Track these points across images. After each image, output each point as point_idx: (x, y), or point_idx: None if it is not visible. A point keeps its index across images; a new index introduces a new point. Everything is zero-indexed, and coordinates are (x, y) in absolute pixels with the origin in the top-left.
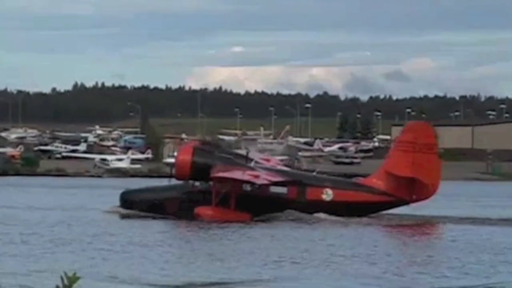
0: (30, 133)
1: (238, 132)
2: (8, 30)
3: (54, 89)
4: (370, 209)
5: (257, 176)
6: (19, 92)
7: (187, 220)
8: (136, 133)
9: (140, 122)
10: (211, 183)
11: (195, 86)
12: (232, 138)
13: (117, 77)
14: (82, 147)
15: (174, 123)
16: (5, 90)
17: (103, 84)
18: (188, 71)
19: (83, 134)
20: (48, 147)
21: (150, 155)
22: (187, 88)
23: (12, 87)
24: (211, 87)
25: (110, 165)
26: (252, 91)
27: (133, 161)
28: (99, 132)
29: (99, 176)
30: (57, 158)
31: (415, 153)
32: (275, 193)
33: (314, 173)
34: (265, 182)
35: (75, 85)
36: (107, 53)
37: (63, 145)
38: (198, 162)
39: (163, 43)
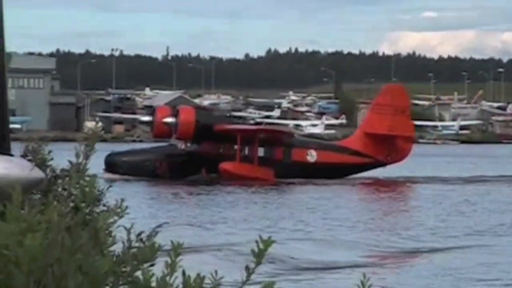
0: (223, 99)
1: (431, 97)
2: None
3: (247, 55)
4: (351, 170)
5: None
6: (212, 58)
7: (176, 181)
8: (330, 98)
9: (334, 88)
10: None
11: (389, 51)
12: (425, 103)
13: (310, 42)
14: (276, 113)
15: (368, 89)
16: (198, 56)
17: (296, 49)
18: (382, 36)
19: (277, 100)
20: (242, 113)
21: (344, 121)
22: (380, 53)
23: (205, 53)
24: (404, 52)
25: (304, 130)
26: (445, 56)
27: (327, 126)
28: (293, 97)
29: None
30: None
31: (391, 115)
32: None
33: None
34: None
35: (269, 51)
36: (300, 18)
37: (257, 111)
38: (201, 122)
39: (356, 8)
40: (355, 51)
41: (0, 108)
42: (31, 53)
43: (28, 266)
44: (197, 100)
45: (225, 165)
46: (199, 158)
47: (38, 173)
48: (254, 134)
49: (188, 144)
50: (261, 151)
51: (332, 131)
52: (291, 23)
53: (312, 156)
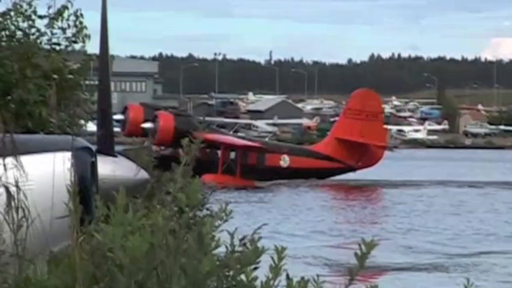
0: (326, 104)
1: None
2: (303, 1)
3: (350, 60)
4: (321, 175)
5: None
6: (315, 63)
7: None
8: (432, 104)
9: (437, 93)
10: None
11: (491, 57)
12: None
13: (413, 48)
14: None
15: (470, 94)
16: (301, 61)
17: (399, 55)
18: (484, 42)
19: None
20: None
21: (446, 126)
22: (483, 59)
23: (308, 58)
24: (506, 58)
25: (407, 136)
26: None
27: (430, 132)
28: (396, 103)
29: (395, 147)
30: None
31: (362, 120)
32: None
33: None
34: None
35: (372, 56)
36: (403, 23)
37: None
38: (180, 129)
39: (459, 15)
40: (458, 57)
41: (104, 110)
42: (133, 57)
43: (129, 268)
44: (300, 105)
45: (208, 177)
46: (174, 161)
47: (143, 175)
48: (232, 146)
49: (162, 148)
50: (233, 155)
51: (435, 137)
52: (394, 29)
53: (285, 161)
